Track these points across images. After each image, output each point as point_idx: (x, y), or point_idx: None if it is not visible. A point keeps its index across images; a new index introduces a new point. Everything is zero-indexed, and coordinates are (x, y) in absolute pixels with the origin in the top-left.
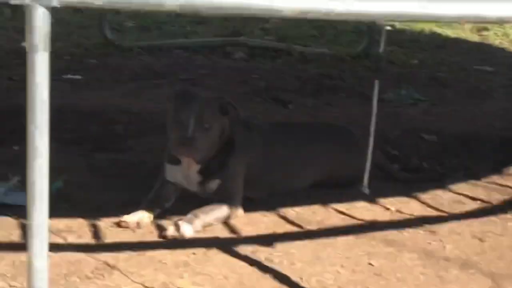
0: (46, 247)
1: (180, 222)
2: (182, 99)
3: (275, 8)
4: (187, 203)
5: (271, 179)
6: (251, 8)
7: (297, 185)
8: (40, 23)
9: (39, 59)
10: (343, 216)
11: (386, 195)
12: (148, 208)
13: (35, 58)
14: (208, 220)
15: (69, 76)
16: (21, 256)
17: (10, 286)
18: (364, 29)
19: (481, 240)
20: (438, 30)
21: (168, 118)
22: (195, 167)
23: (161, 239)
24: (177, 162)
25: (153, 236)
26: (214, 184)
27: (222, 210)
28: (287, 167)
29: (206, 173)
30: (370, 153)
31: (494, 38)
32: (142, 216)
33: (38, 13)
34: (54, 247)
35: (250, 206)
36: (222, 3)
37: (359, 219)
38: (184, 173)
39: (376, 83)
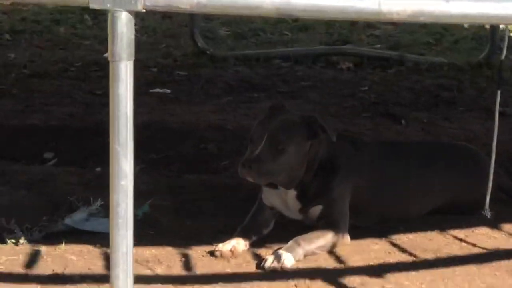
0: (131, 279)
1: (280, 252)
2: (268, 114)
3: (383, 11)
4: (288, 229)
5: (381, 205)
6: (354, 11)
7: (412, 213)
8: (124, 30)
9: (122, 68)
10: (462, 243)
11: (511, 220)
12: (244, 235)
13: (118, 67)
14: (311, 249)
15: (157, 89)
16: None
17: None
18: (486, 35)
19: None
20: None
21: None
22: (292, 193)
23: (259, 270)
24: (274, 185)
25: (250, 267)
26: (316, 211)
27: (326, 237)
28: (401, 192)
29: (305, 200)
30: (492, 172)
31: None
32: (238, 244)
33: (121, 18)
34: (141, 279)
35: (357, 232)
36: (323, 5)
37: (480, 247)
38: (282, 198)
39: (498, 94)
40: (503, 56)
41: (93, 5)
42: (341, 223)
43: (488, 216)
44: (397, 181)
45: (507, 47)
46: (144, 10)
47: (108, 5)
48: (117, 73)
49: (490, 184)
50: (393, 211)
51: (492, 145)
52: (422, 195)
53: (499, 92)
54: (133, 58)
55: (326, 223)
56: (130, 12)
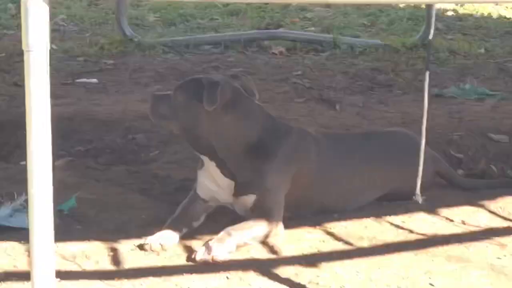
0: (52, 276)
1: (211, 243)
2: None
3: None
4: (219, 222)
5: (323, 197)
6: None
7: (353, 204)
8: (38, 18)
9: (37, 58)
10: (399, 230)
11: (448, 204)
12: (174, 228)
13: (32, 57)
14: (243, 239)
15: (83, 79)
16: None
17: None
18: (422, 15)
19: None
20: (508, 14)
21: None
22: (212, 164)
23: (190, 263)
24: (202, 164)
25: (181, 260)
26: (249, 200)
27: (259, 227)
28: (342, 183)
29: (238, 184)
30: (422, 155)
31: None
32: (168, 237)
33: (35, 5)
34: (68, 275)
35: (291, 222)
36: None
37: (417, 233)
38: (211, 176)
39: (426, 75)
40: (430, 36)
41: None
42: (275, 212)
43: (420, 201)
44: (339, 172)
45: (446, 28)
46: None
47: None
48: (32, 63)
49: (421, 168)
50: (334, 203)
51: (422, 127)
52: (363, 185)
53: (427, 73)
54: (49, 47)
55: (260, 212)
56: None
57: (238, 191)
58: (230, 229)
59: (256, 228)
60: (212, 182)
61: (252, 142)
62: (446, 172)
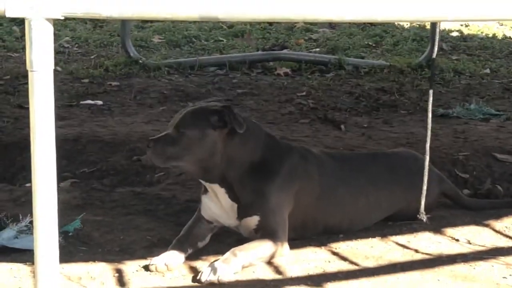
0: None
1: (216, 264)
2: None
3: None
4: (224, 242)
5: (328, 218)
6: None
7: (358, 225)
8: (42, 38)
9: (41, 78)
10: (404, 249)
11: (454, 224)
12: (179, 248)
13: (36, 77)
14: (249, 260)
15: (88, 101)
16: None
17: None
18: (427, 36)
19: None
20: None
21: None
22: (220, 190)
23: (195, 284)
24: (206, 190)
25: (186, 280)
26: (253, 221)
27: (265, 248)
28: (348, 205)
29: (240, 205)
30: (426, 174)
31: None
32: (173, 258)
33: (39, 26)
34: None
35: (296, 242)
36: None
37: (423, 253)
38: (217, 201)
39: (430, 93)
40: (434, 55)
41: (10, 14)
42: (280, 232)
43: (424, 220)
44: (343, 192)
45: (451, 48)
46: (62, 18)
47: (26, 13)
48: (36, 83)
49: (425, 187)
50: (339, 224)
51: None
52: (369, 206)
53: (431, 91)
54: (53, 67)
55: (264, 233)
56: (48, 20)
57: (242, 214)
58: (235, 249)
59: (261, 248)
60: (216, 206)
61: (256, 162)
62: (451, 193)
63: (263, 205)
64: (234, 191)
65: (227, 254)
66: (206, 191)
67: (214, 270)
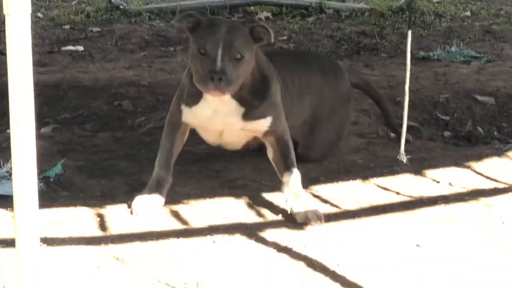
0: (37, 242)
1: (309, 214)
2: (207, 27)
3: None
4: (207, 185)
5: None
6: None
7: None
8: None
9: (17, 23)
10: (386, 192)
11: (435, 166)
12: (157, 190)
13: (11, 22)
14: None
15: (69, 47)
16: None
17: None
18: None
19: None
20: None
21: (190, 51)
22: (232, 102)
23: (176, 227)
24: (196, 101)
25: (167, 224)
26: (264, 123)
27: (291, 155)
28: (294, 101)
29: (249, 110)
30: (406, 115)
31: None
32: (153, 200)
33: None
34: (54, 241)
35: (277, 185)
36: None
37: (404, 195)
38: (217, 109)
39: (409, 35)
40: None
41: None
42: (287, 132)
43: (404, 161)
44: (291, 89)
45: None
46: None
47: None
48: (13, 27)
49: (405, 128)
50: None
51: (406, 87)
52: (303, 105)
53: (409, 32)
54: (30, 11)
55: (276, 132)
56: None
57: (250, 117)
58: (291, 190)
59: (295, 171)
60: (211, 113)
61: (261, 73)
62: (362, 82)
63: (272, 106)
64: (243, 98)
65: (293, 199)
66: (196, 101)
67: (318, 216)
